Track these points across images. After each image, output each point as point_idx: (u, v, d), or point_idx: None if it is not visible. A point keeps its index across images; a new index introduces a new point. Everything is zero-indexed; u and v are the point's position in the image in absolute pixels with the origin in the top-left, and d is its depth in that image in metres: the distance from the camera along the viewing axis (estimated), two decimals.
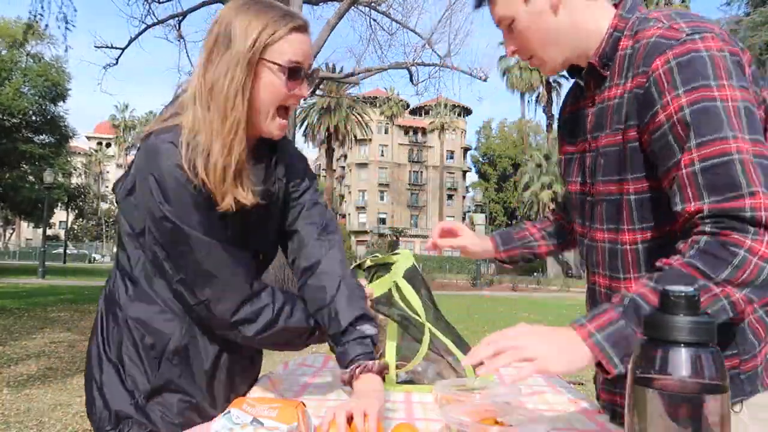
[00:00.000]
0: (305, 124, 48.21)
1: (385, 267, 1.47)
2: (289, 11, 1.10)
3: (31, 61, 24.23)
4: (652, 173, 1.00)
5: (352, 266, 1.45)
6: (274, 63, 1.06)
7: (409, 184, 69.04)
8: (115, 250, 1.23)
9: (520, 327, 0.93)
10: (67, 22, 11.25)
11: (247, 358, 1.26)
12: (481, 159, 69.37)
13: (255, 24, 1.05)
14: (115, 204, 1.18)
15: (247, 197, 1.08)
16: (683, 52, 0.92)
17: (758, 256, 0.84)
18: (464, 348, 1.42)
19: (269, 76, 1.07)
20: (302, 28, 1.10)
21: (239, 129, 1.05)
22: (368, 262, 1.50)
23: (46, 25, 11.17)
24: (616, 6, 1.10)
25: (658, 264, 0.93)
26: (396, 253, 1.49)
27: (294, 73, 1.08)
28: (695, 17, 0.98)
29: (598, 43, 1.08)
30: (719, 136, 0.88)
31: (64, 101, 25.25)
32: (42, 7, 11.05)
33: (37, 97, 23.75)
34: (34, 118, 23.94)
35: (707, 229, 0.88)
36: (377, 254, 1.53)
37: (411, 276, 1.44)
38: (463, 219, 68.74)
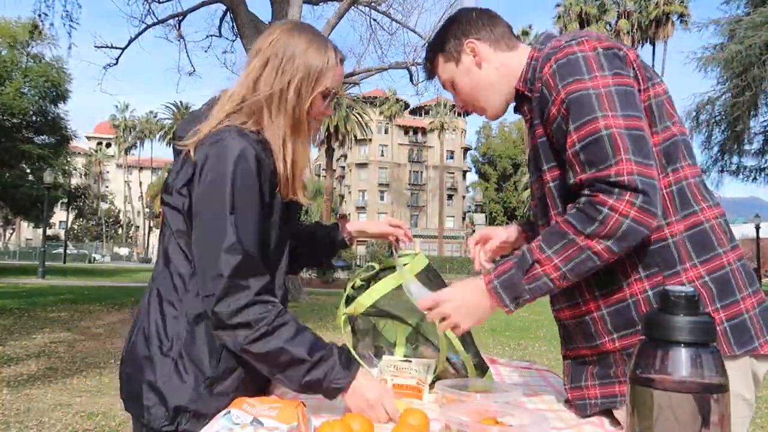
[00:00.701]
0: None
1: (391, 269, 1.48)
2: (334, 44, 1.27)
3: (32, 61, 24.21)
4: (559, 162, 1.17)
5: (343, 302, 1.50)
6: (324, 88, 1.22)
7: (409, 184, 69.05)
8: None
9: (451, 294, 1.18)
10: (72, 20, 11.24)
11: None
12: (481, 159, 69.38)
13: (316, 51, 1.21)
14: (161, 203, 1.23)
15: (305, 198, 1.25)
16: (562, 56, 1.11)
17: (618, 212, 1.00)
18: (470, 348, 1.43)
19: (318, 99, 1.23)
20: (343, 60, 1.29)
21: (306, 138, 1.23)
22: (358, 281, 1.53)
23: (51, 24, 11.15)
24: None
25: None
26: (405, 254, 1.48)
27: (330, 97, 1.26)
28: (580, 31, 1.19)
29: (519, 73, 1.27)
30: (590, 117, 1.05)
31: (64, 102, 25.23)
32: (47, 6, 11.03)
33: (37, 98, 23.74)
34: (34, 118, 23.92)
35: (585, 192, 1.05)
36: (372, 264, 1.54)
37: (427, 278, 1.44)
38: (463, 219, 68.76)
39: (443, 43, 1.31)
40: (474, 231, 25.71)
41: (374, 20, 12.21)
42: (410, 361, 1.40)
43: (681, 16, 41.35)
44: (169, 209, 1.19)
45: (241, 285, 1.07)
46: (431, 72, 1.37)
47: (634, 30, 42.72)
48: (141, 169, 75.08)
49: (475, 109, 1.34)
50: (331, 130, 47.17)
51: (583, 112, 1.05)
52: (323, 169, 56.71)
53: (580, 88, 1.07)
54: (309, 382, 1.10)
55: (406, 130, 68.33)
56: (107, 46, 11.42)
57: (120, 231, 75.87)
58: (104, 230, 70.33)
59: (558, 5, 45.41)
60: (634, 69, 1.11)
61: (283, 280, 1.26)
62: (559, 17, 45.32)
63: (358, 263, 45.05)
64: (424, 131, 66.25)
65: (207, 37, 12.03)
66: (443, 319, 1.17)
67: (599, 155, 1.02)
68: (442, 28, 1.33)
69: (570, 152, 1.07)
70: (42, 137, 25.09)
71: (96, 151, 75.10)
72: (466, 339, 1.43)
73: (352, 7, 10.25)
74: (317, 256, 1.57)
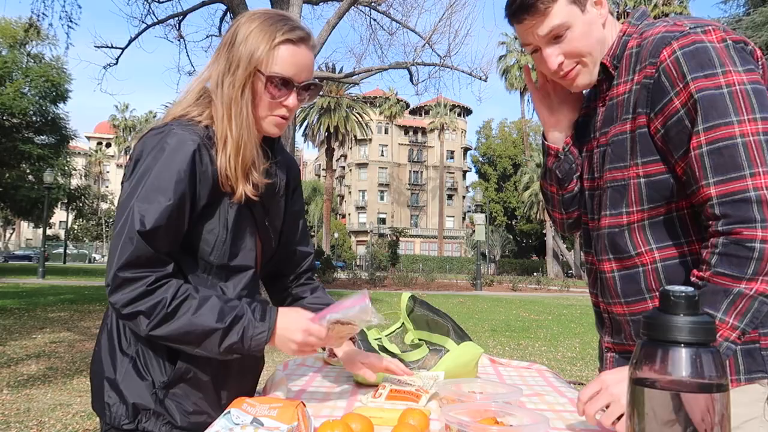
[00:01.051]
0: (305, 124, 48.21)
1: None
2: (293, 25, 1.15)
3: (33, 61, 24.20)
4: (661, 156, 1.07)
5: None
6: (262, 74, 1.12)
7: (409, 184, 69.05)
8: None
9: (610, 376, 1.00)
10: (71, 21, 11.24)
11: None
12: (481, 159, 69.38)
13: (255, 35, 1.11)
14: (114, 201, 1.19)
15: (254, 189, 1.15)
16: (687, 42, 1.00)
17: None
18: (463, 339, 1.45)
19: (259, 86, 1.13)
20: (295, 41, 1.13)
21: (247, 129, 1.13)
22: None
23: (50, 24, 11.14)
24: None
25: (692, 279, 1.00)
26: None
27: (281, 85, 1.13)
28: (697, 18, 1.08)
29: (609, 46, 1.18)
30: (724, 121, 0.95)
31: (64, 102, 25.22)
32: (45, 6, 11.03)
33: (37, 98, 23.73)
34: (34, 118, 23.92)
35: (720, 228, 0.95)
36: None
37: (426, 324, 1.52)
38: (463, 219, 68.77)
39: None
40: (474, 231, 25.70)
41: (374, 20, 12.21)
42: (419, 374, 1.39)
43: (679, 15, 41.45)
44: None
45: (135, 277, 1.03)
46: (540, 4, 1.12)
47: None
48: None
49: (579, 64, 1.17)
50: (331, 130, 47.16)
51: (716, 113, 0.96)
52: (323, 169, 56.69)
53: (713, 84, 0.97)
54: (229, 347, 1.06)
55: (406, 130, 68.34)
56: (107, 46, 11.41)
57: None
58: (104, 230, 70.28)
59: None
60: (760, 65, 1.03)
61: (251, 289, 1.20)
62: None
63: (357, 263, 45.12)
64: (424, 131, 66.27)
65: (207, 37, 12.04)
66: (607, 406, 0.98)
67: (731, 164, 0.94)
68: None
69: (694, 153, 0.99)
70: (42, 137, 25.08)
71: (96, 151, 75.10)
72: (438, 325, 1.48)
73: (352, 7, 10.25)
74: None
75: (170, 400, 1.13)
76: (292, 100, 1.15)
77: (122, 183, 1.13)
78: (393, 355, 1.49)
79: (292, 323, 1.11)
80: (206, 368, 1.15)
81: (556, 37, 1.14)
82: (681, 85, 1.00)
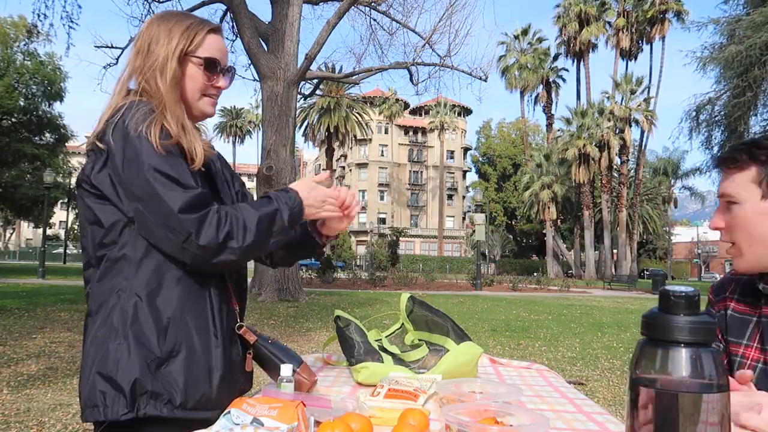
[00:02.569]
0: (305, 124, 48.22)
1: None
2: (203, 18, 1.34)
3: (27, 59, 24.11)
4: None
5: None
6: (196, 57, 1.26)
7: (409, 184, 69.04)
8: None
9: None
10: (71, 21, 11.23)
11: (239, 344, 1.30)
12: (481, 159, 69.38)
13: (178, 27, 1.26)
14: (78, 191, 1.23)
15: (208, 150, 1.27)
16: None
17: None
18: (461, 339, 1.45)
19: (191, 69, 1.27)
20: (217, 30, 1.32)
21: (181, 110, 1.25)
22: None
23: (51, 25, 11.12)
24: None
25: None
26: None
27: (211, 66, 1.28)
28: None
29: None
30: None
31: (60, 101, 25.13)
32: (46, 7, 11.01)
33: (30, 96, 23.64)
34: (30, 117, 23.85)
35: None
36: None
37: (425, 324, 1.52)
38: (463, 219, 68.74)
39: None
40: (474, 231, 25.71)
41: (374, 20, 12.21)
42: (416, 377, 1.39)
43: (678, 13, 41.38)
44: (95, 199, 1.19)
45: (204, 213, 1.12)
46: (735, 160, 1.10)
47: (633, 29, 42.78)
48: None
49: (733, 247, 1.13)
50: (331, 130, 47.17)
51: None
52: (323, 169, 56.63)
53: None
54: (290, 217, 1.23)
55: (406, 129, 68.33)
56: (107, 46, 11.41)
57: None
58: None
59: (558, 5, 45.47)
60: None
61: None
62: (558, 17, 45.37)
63: (357, 263, 45.07)
64: (424, 131, 66.26)
65: None
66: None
67: None
68: None
69: None
70: (37, 137, 25.02)
71: None
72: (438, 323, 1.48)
73: (352, 7, 10.25)
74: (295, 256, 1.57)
75: (165, 378, 1.13)
76: (221, 80, 1.31)
77: (96, 173, 1.17)
78: (393, 355, 1.49)
79: (302, 184, 1.30)
80: (196, 347, 1.17)
81: (728, 204, 1.12)
82: None
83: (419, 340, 1.54)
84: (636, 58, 45.19)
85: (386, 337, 1.58)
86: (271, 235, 1.21)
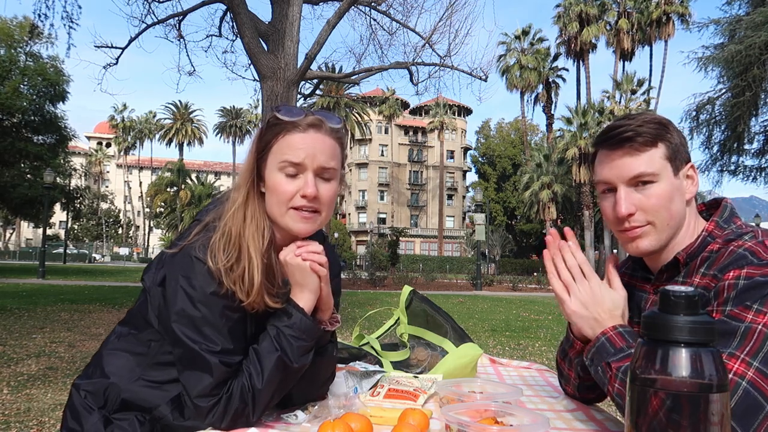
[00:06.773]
0: None
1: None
2: (306, 113, 1.11)
3: (30, 60, 24.14)
4: None
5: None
6: (271, 164, 1.10)
7: (409, 184, 69.05)
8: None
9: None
10: (72, 21, 11.21)
11: None
12: (480, 159, 69.37)
13: (265, 128, 1.11)
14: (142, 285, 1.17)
15: (271, 302, 1.09)
16: (758, 274, 0.95)
17: None
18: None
19: (270, 177, 1.10)
20: (301, 128, 1.09)
21: (261, 233, 1.09)
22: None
23: (52, 25, 11.11)
24: (703, 209, 1.18)
25: None
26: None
27: (292, 172, 1.09)
28: None
29: (689, 241, 1.11)
30: (729, 351, 0.92)
31: (63, 101, 25.16)
32: (47, 7, 10.98)
33: (35, 97, 23.69)
34: (32, 118, 23.88)
35: None
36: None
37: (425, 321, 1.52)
38: (463, 219, 68.75)
39: (677, 143, 1.09)
40: (474, 231, 25.70)
41: (374, 20, 12.19)
42: (416, 377, 1.39)
43: (681, 16, 41.41)
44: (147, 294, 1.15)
45: (215, 396, 1.02)
46: (645, 137, 1.07)
47: (634, 30, 42.78)
48: (141, 168, 75.06)
49: (649, 225, 1.09)
50: None
51: (723, 342, 0.93)
52: None
53: (740, 317, 0.94)
54: (301, 349, 1.07)
55: (406, 129, 68.33)
56: (107, 46, 11.37)
57: (120, 231, 75.83)
58: (104, 230, 70.27)
59: (558, 5, 45.45)
60: None
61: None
62: (558, 17, 45.35)
63: (358, 263, 45.03)
64: (424, 131, 66.26)
65: (207, 36, 11.99)
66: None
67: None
68: (680, 132, 1.11)
69: None
70: (39, 137, 25.03)
71: (96, 151, 75.08)
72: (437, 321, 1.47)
73: (352, 7, 10.24)
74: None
75: None
76: (309, 186, 1.08)
77: (157, 284, 1.11)
78: (375, 353, 1.51)
79: (301, 285, 1.10)
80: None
81: (638, 184, 1.08)
82: (719, 308, 0.97)
83: (410, 335, 1.54)
84: (631, 59, 45.17)
85: (376, 337, 1.59)
86: (286, 383, 1.07)
